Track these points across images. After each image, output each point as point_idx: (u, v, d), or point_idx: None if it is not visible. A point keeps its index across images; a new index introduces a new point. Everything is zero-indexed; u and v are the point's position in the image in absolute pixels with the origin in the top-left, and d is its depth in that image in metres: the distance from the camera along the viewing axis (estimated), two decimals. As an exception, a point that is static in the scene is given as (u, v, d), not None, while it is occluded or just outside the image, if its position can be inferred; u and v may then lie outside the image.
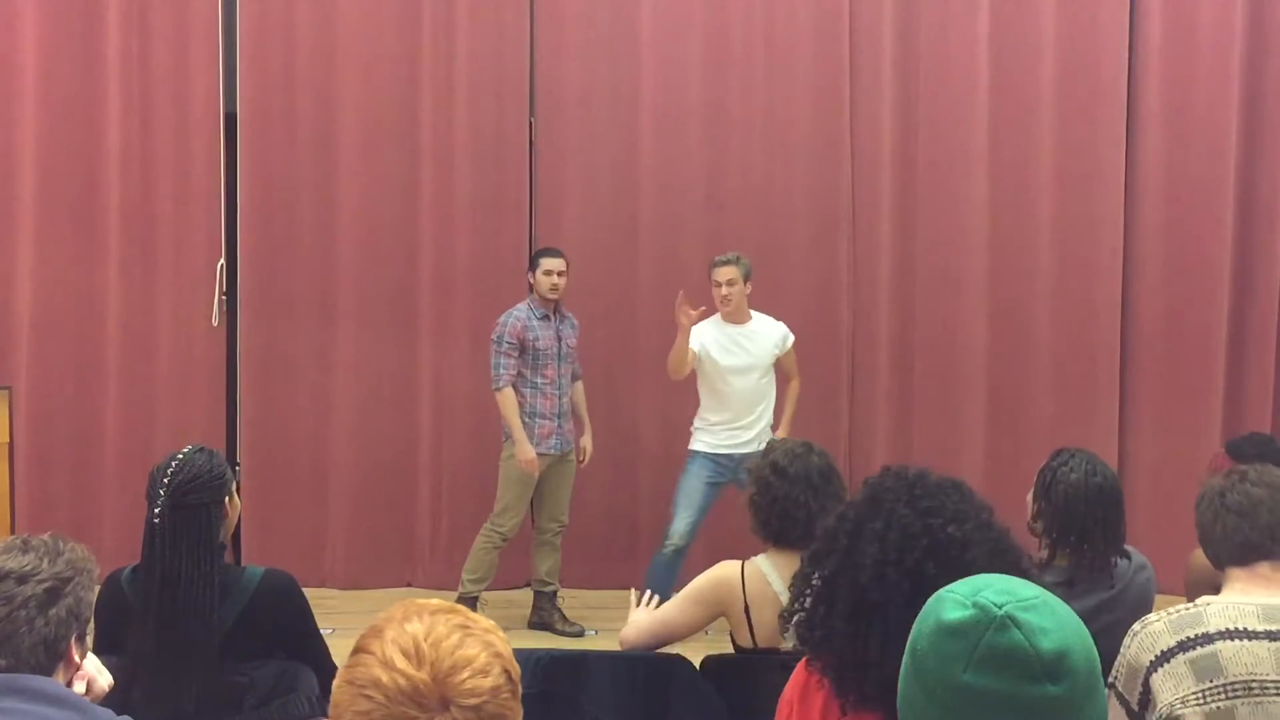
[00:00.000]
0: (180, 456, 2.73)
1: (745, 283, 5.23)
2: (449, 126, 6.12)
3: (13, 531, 5.08)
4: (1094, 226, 6.12)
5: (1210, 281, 6.08)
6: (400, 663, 1.31)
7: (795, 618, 2.00)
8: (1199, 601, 2.36)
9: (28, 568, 1.91)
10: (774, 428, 5.34)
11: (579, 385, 5.62)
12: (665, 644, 3.01)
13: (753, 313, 5.34)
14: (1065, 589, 2.94)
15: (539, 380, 5.38)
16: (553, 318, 5.43)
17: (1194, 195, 6.09)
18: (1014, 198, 6.14)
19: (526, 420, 5.37)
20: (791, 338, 5.41)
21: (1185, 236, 6.12)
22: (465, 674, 1.32)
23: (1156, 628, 2.31)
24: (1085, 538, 3.07)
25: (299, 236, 6.14)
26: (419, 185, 6.14)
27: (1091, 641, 1.40)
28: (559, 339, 5.43)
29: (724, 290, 5.20)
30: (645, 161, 6.15)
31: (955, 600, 1.41)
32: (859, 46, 6.15)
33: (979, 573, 1.70)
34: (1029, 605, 1.38)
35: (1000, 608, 1.37)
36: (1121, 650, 2.36)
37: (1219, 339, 6.08)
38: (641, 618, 3.04)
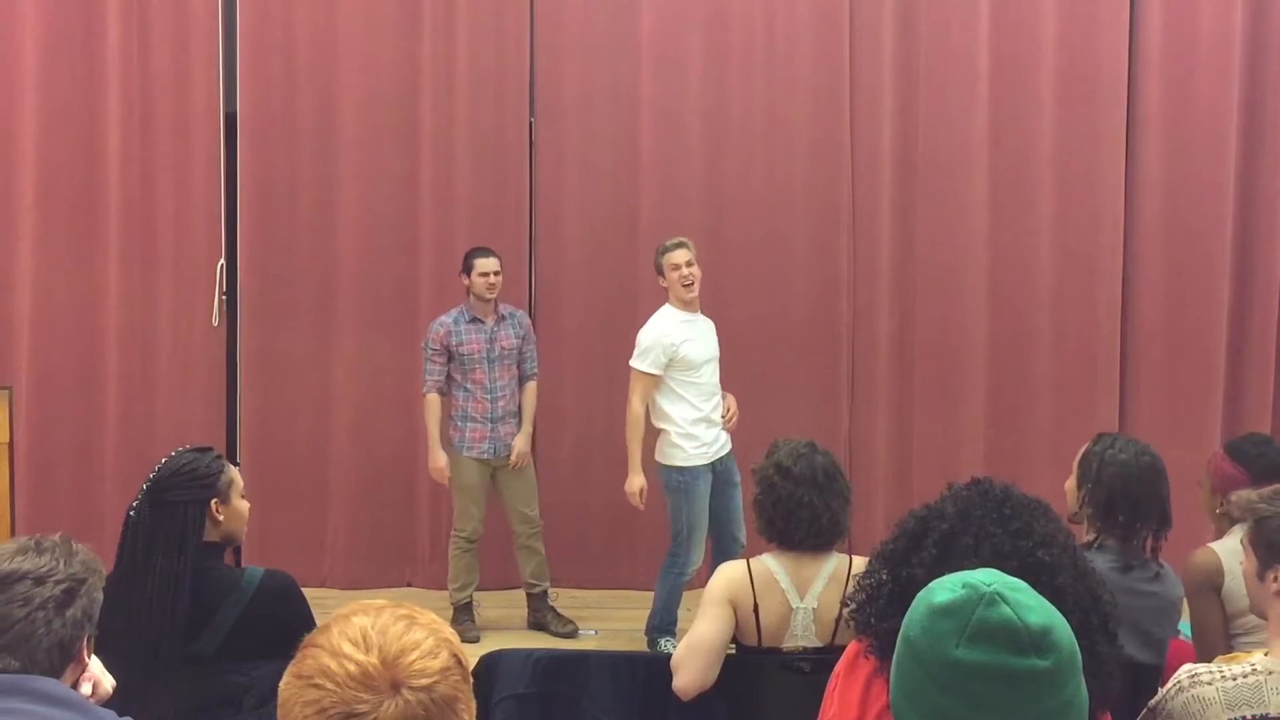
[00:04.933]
0: (174, 454, 2.73)
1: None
2: (449, 126, 6.12)
3: (13, 532, 5.08)
4: (1094, 226, 6.12)
5: (1210, 281, 6.08)
6: (348, 649, 1.32)
7: (860, 608, 2.06)
8: (1258, 665, 2.19)
9: (44, 569, 1.91)
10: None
11: (529, 386, 5.53)
12: (716, 657, 2.90)
13: None
14: (1119, 573, 2.91)
15: (469, 384, 5.36)
16: (486, 320, 5.38)
17: (1194, 195, 6.09)
18: (1014, 197, 6.14)
19: (458, 424, 5.37)
20: None
21: (1185, 236, 6.12)
22: (414, 656, 1.33)
23: (1208, 692, 2.16)
24: (1136, 517, 3.05)
25: (299, 236, 6.15)
26: (419, 185, 6.15)
27: (1069, 626, 1.47)
28: (491, 342, 5.36)
29: (684, 271, 5.00)
30: (645, 161, 6.15)
31: (944, 586, 1.48)
32: (859, 46, 6.15)
33: (1069, 598, 1.80)
34: (1015, 586, 1.47)
35: (989, 586, 1.45)
36: (1165, 694, 2.24)
37: (1219, 339, 6.08)
38: (680, 654, 2.93)
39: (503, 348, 5.38)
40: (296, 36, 6.10)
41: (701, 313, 5.21)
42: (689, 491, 5.02)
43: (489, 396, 5.35)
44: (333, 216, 6.13)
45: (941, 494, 2.12)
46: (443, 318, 5.41)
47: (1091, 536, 3.08)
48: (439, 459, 5.35)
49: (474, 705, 1.40)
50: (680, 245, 5.08)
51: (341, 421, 6.18)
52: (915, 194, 6.19)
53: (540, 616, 5.57)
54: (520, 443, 5.45)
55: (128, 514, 2.68)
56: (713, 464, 5.08)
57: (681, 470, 5.01)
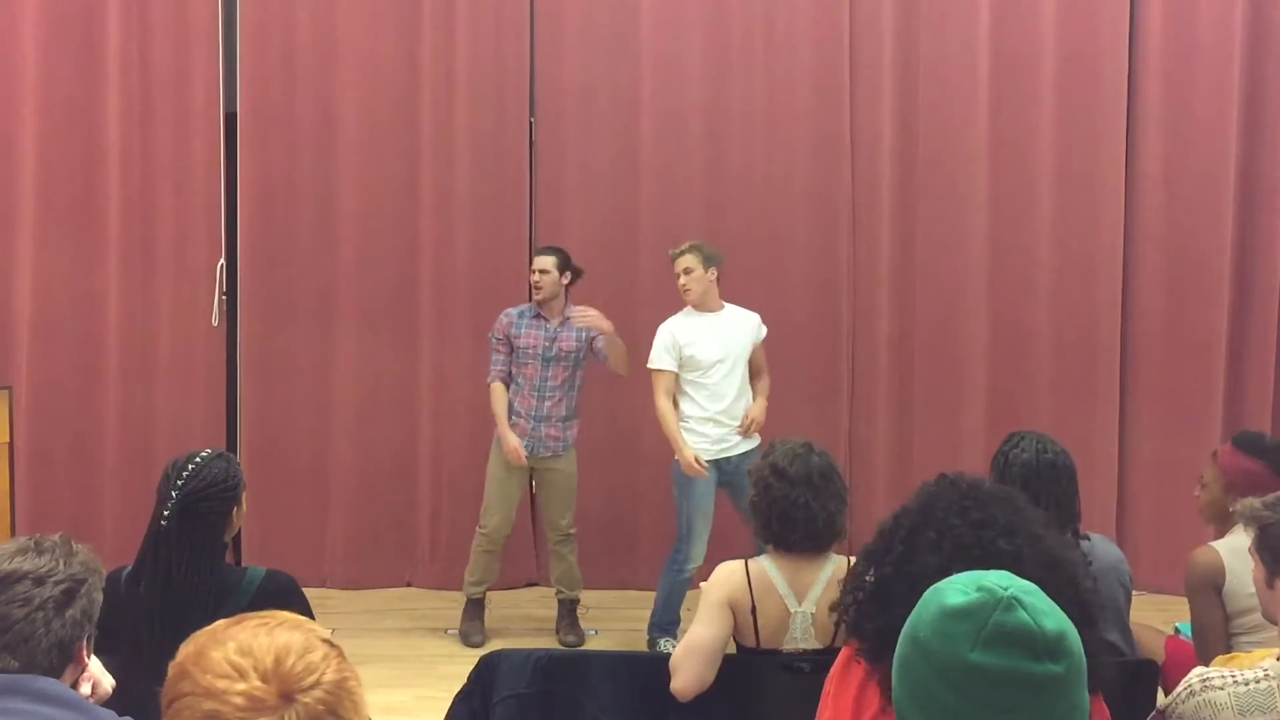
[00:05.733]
0: (199, 460, 2.74)
1: (707, 270, 5.11)
2: (449, 126, 6.12)
3: (13, 532, 5.08)
4: (1094, 226, 6.12)
5: (1210, 281, 6.08)
6: (223, 685, 1.27)
7: (845, 610, 2.07)
8: (1270, 670, 2.16)
9: (44, 569, 1.91)
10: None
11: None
12: (713, 660, 2.90)
13: (724, 303, 5.25)
14: None
15: (520, 379, 5.31)
16: (550, 319, 5.32)
17: (1194, 195, 6.09)
18: (1014, 197, 6.14)
19: (510, 416, 5.34)
20: (764, 330, 5.29)
21: (1185, 236, 6.12)
22: (291, 660, 1.29)
23: (1219, 697, 2.14)
24: None
25: (299, 236, 6.14)
26: (419, 185, 6.14)
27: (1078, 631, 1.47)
28: (552, 340, 5.29)
29: (681, 280, 5.11)
30: (645, 161, 6.15)
31: (957, 588, 1.47)
32: (859, 46, 6.15)
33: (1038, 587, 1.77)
34: (1029, 590, 1.46)
35: (1005, 590, 1.44)
36: (1175, 698, 2.22)
37: (1219, 338, 6.08)
38: (678, 656, 2.92)
39: (562, 348, 5.28)
40: (296, 36, 6.09)
41: (736, 309, 5.25)
42: (690, 487, 5.06)
43: (536, 394, 5.27)
44: (333, 216, 6.13)
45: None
46: (510, 309, 5.41)
47: None
48: (509, 439, 5.26)
49: (358, 674, 1.36)
50: (679, 254, 5.15)
51: (341, 422, 6.17)
52: (915, 194, 6.19)
53: (558, 622, 5.52)
54: (599, 318, 5.18)
55: (159, 522, 2.68)
56: (719, 462, 5.08)
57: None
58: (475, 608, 5.47)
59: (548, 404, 5.30)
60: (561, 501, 5.43)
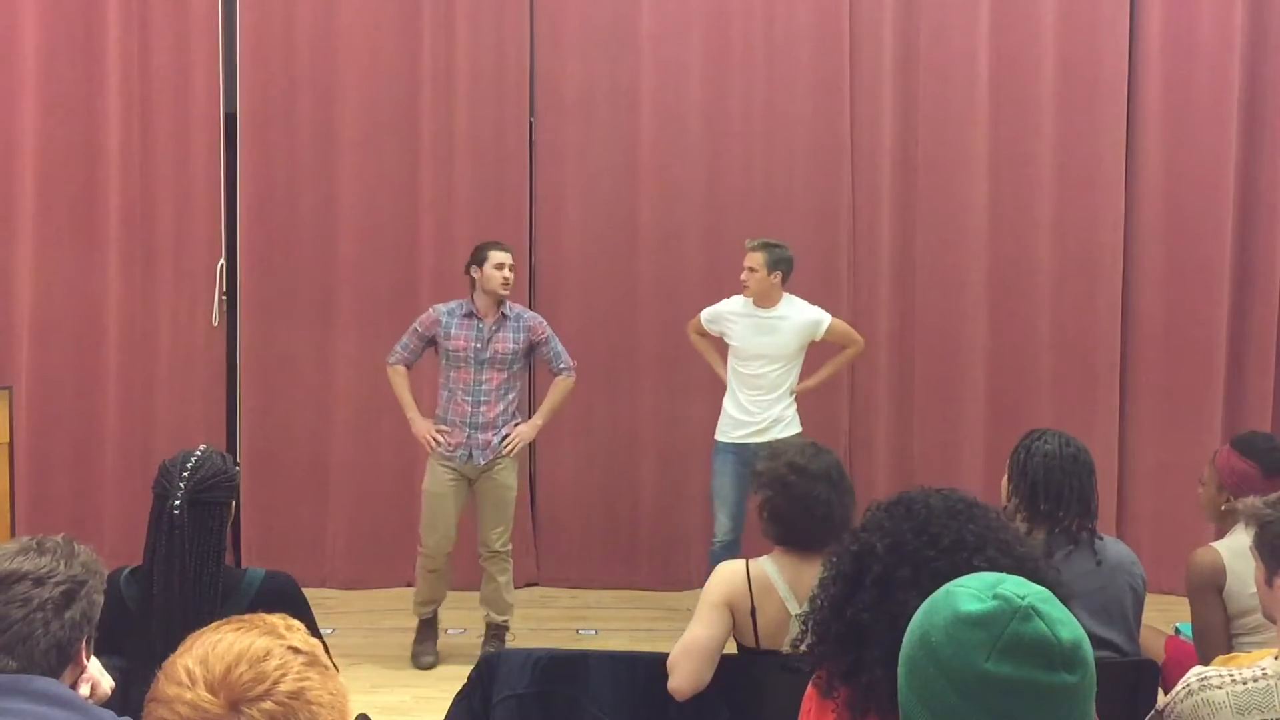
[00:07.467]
0: (199, 454, 2.76)
1: (770, 273, 5.14)
2: (449, 126, 6.12)
3: (13, 532, 5.07)
4: (1094, 226, 6.12)
5: (1210, 281, 6.09)
6: (174, 692, 1.27)
7: (811, 649, 2.00)
8: (1268, 669, 2.13)
9: (44, 570, 1.91)
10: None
11: (557, 381, 5.13)
12: (710, 660, 2.87)
13: (788, 299, 5.25)
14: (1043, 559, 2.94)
15: (452, 384, 4.94)
16: (485, 319, 4.93)
17: (1194, 195, 6.10)
18: (1014, 198, 6.15)
19: (437, 426, 5.02)
20: (826, 322, 5.25)
21: (1185, 236, 6.12)
22: (242, 668, 1.28)
23: (1217, 696, 2.12)
24: (1059, 504, 3.15)
25: (299, 236, 6.14)
26: (419, 185, 6.14)
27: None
28: (484, 342, 4.91)
29: (742, 275, 5.19)
30: (645, 161, 6.15)
31: (970, 593, 1.45)
32: (859, 46, 6.15)
33: None
34: (1045, 597, 1.44)
35: (1023, 599, 1.42)
36: (1174, 698, 2.20)
37: (1219, 338, 6.09)
38: (676, 655, 2.89)
39: (496, 350, 4.91)
40: (296, 36, 6.09)
41: (798, 307, 5.28)
42: (713, 463, 5.27)
43: (471, 399, 4.91)
44: (333, 216, 6.13)
45: (865, 517, 1.99)
46: (441, 305, 5.04)
47: (1021, 529, 3.10)
48: (420, 424, 4.98)
49: (336, 684, 1.34)
50: (750, 249, 5.22)
51: (341, 421, 6.17)
52: (915, 194, 6.19)
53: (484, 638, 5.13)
54: (525, 429, 5.04)
55: (169, 514, 2.68)
56: (738, 446, 5.12)
57: (716, 441, 5.27)
58: (426, 628, 5.14)
59: (484, 409, 4.92)
60: (494, 514, 5.03)
